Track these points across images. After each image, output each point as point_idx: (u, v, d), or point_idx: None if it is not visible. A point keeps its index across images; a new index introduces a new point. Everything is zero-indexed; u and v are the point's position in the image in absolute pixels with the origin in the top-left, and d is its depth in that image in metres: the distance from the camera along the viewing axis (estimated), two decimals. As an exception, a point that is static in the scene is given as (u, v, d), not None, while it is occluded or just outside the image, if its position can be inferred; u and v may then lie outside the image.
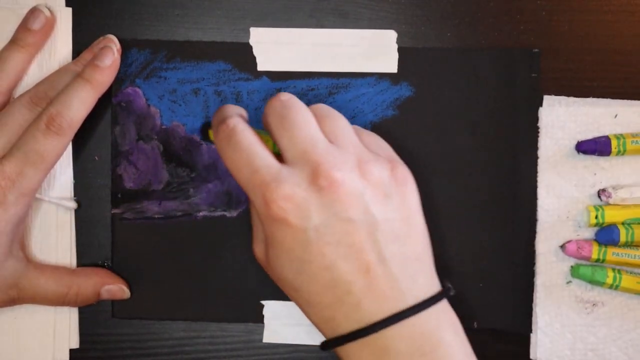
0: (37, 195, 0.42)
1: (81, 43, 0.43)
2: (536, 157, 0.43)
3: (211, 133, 0.39)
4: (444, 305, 0.36)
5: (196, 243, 0.43)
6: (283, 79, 0.43)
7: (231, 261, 0.43)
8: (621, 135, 0.41)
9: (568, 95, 0.42)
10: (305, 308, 0.36)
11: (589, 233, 0.42)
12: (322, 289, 0.35)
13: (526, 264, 0.43)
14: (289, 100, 0.37)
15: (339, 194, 0.34)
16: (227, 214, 0.43)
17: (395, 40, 0.43)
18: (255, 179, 0.35)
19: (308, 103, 0.43)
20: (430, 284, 0.36)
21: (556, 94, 0.43)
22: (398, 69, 0.43)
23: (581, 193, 0.42)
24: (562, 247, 0.42)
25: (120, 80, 0.43)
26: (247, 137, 0.36)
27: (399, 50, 0.43)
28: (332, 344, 0.36)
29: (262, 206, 0.35)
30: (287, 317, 0.43)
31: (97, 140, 0.44)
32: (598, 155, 0.42)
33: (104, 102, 0.42)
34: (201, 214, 0.43)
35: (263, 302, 0.43)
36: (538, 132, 0.42)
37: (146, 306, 0.44)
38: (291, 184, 0.35)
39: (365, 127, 0.42)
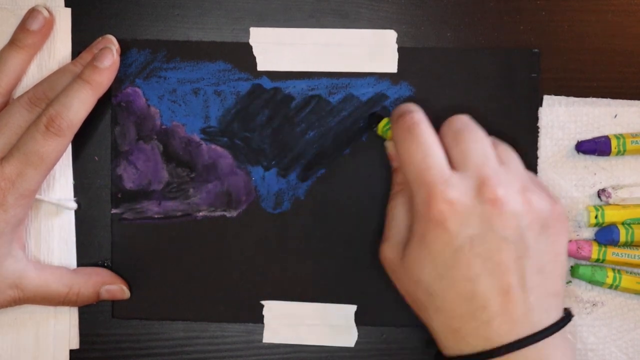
0: (37, 196, 0.42)
1: (80, 43, 0.43)
2: (536, 157, 0.42)
3: (382, 124, 0.40)
4: (565, 337, 0.36)
5: (196, 243, 0.43)
6: (283, 79, 0.43)
7: (231, 261, 0.43)
8: (621, 135, 0.41)
9: (568, 95, 0.42)
10: (432, 314, 0.36)
11: (589, 233, 0.42)
12: (458, 299, 0.35)
13: (526, 264, 0.43)
14: (468, 120, 0.38)
15: (500, 211, 0.35)
16: (227, 214, 0.43)
17: (395, 40, 0.43)
18: (425, 176, 0.36)
19: (308, 103, 0.43)
20: (559, 316, 0.37)
21: (556, 94, 0.42)
22: (398, 69, 0.43)
23: (581, 193, 0.42)
24: (562, 247, 0.42)
25: (120, 80, 0.43)
26: (429, 134, 0.37)
27: (399, 50, 0.43)
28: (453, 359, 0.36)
29: (422, 204, 0.36)
30: (287, 317, 0.43)
31: (97, 140, 0.43)
32: (598, 155, 0.42)
33: (104, 102, 0.42)
34: (201, 214, 0.43)
35: (263, 302, 0.43)
36: (538, 132, 0.42)
37: (146, 306, 0.44)
38: (458, 190, 0.35)
39: (365, 127, 0.42)
